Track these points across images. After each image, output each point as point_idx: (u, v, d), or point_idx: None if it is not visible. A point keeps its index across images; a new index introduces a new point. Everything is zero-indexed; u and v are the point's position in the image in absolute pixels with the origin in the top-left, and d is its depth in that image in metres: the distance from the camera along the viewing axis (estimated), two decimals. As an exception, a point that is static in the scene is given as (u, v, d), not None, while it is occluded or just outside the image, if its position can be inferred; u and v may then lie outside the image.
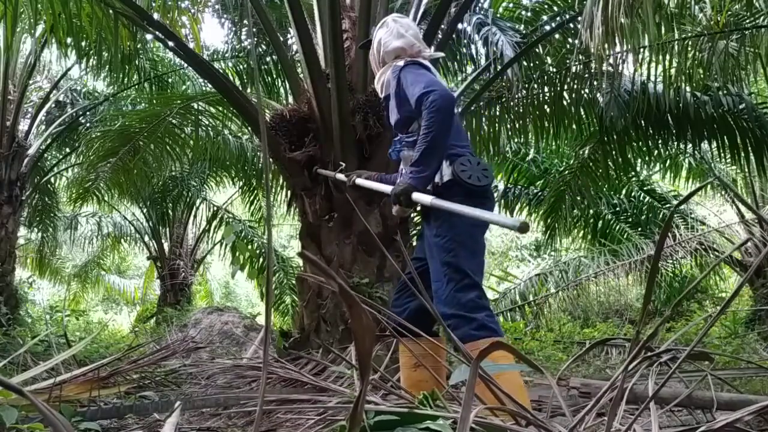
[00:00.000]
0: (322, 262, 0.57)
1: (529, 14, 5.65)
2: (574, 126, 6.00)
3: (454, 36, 5.33)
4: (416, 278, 1.44)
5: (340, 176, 2.82)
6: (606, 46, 3.44)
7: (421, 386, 1.93)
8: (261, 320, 8.14)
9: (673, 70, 5.16)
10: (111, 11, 4.49)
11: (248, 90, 6.84)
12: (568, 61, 5.51)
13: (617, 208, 8.28)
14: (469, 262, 2.00)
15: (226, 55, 7.70)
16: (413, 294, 2.11)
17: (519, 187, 8.44)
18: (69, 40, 4.88)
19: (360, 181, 2.54)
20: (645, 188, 8.38)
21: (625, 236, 8.04)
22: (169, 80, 8.06)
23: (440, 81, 2.14)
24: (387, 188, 2.21)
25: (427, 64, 2.22)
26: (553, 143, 7.05)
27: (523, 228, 1.51)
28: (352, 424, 0.55)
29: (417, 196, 1.97)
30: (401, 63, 2.20)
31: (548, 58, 5.61)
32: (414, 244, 5.76)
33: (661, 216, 7.97)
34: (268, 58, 6.83)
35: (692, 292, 8.45)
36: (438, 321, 1.45)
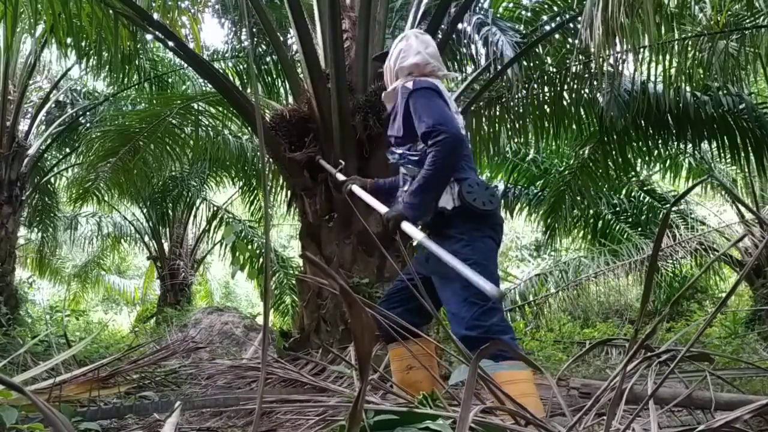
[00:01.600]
0: (322, 263, 0.57)
1: (529, 14, 5.65)
2: (574, 126, 6.00)
3: (454, 36, 5.33)
4: (414, 287, 1.44)
5: (340, 176, 2.78)
6: (606, 46, 3.44)
7: (417, 387, 1.94)
8: (261, 320, 8.14)
9: (673, 70, 5.16)
10: (111, 11, 4.49)
11: (248, 90, 6.83)
12: (568, 61, 5.51)
13: (617, 208, 8.28)
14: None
15: (226, 55, 7.70)
16: (400, 301, 2.13)
17: (519, 187, 8.44)
18: (69, 40, 4.88)
19: (355, 189, 2.50)
20: (645, 188, 8.38)
21: (625, 236, 8.04)
22: (169, 80, 8.06)
23: (450, 111, 2.10)
24: (381, 209, 2.19)
25: (439, 87, 2.17)
26: (553, 143, 7.05)
27: (500, 296, 1.59)
28: (351, 422, 0.55)
29: (407, 227, 1.97)
30: (410, 86, 2.15)
31: (548, 58, 5.61)
32: (414, 244, 5.77)
33: (660, 216, 7.97)
34: (268, 58, 6.83)
35: (692, 292, 8.46)
36: (438, 325, 1.43)
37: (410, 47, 2.29)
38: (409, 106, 2.11)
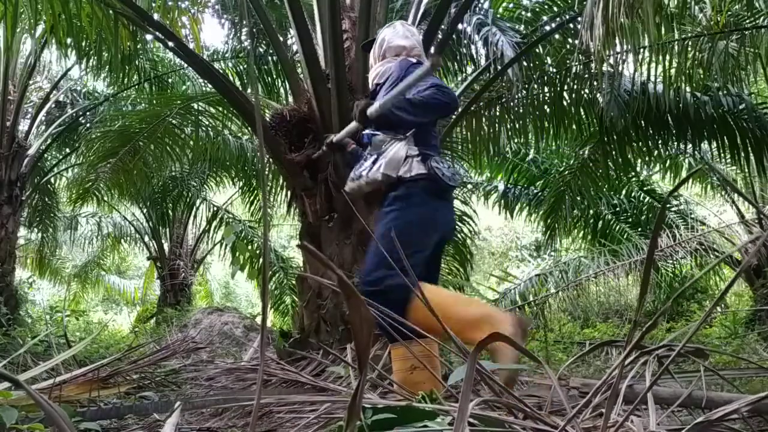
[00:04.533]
0: (322, 255, 0.57)
1: (529, 14, 5.65)
2: (574, 126, 6.00)
3: (454, 36, 5.33)
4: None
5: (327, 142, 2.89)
6: (606, 46, 3.44)
7: (420, 388, 1.93)
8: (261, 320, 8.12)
9: (673, 71, 5.16)
10: (111, 11, 4.49)
11: (248, 90, 6.83)
12: (568, 62, 5.51)
13: (617, 208, 8.27)
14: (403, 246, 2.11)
15: (226, 55, 7.70)
16: None
17: (519, 187, 8.44)
18: (69, 40, 4.88)
19: (335, 137, 2.70)
20: (645, 188, 8.38)
21: (625, 236, 8.03)
22: (169, 80, 8.05)
23: None
24: (353, 125, 2.42)
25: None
26: (553, 143, 7.04)
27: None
28: (350, 415, 0.55)
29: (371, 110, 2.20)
30: (414, 59, 2.29)
31: (548, 58, 5.61)
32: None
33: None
34: (268, 59, 6.83)
35: (692, 292, 8.45)
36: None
37: (397, 32, 2.44)
38: (405, 76, 2.23)
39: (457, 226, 6.26)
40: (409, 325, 1.63)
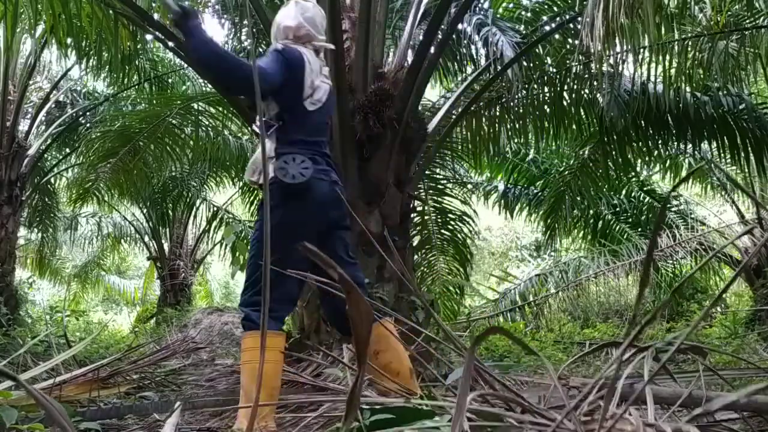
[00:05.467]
0: (322, 254, 0.57)
1: (529, 14, 5.65)
2: (574, 126, 6.00)
3: (454, 36, 5.33)
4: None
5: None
6: (606, 46, 3.44)
7: (389, 369, 1.99)
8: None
9: (673, 71, 5.16)
10: (111, 11, 4.49)
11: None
12: (568, 62, 5.51)
13: (617, 209, 8.27)
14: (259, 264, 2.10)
15: (226, 55, 7.68)
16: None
17: (519, 187, 8.44)
18: (69, 40, 4.88)
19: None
20: (645, 188, 8.38)
21: (625, 236, 8.03)
22: (169, 80, 8.05)
23: (297, 75, 2.13)
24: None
25: (303, 58, 2.17)
26: (553, 143, 7.04)
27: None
28: (349, 409, 0.55)
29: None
30: (279, 46, 2.19)
31: (548, 58, 5.61)
32: (414, 244, 5.76)
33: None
34: (268, 59, 6.82)
35: (692, 292, 8.45)
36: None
37: (288, 13, 2.33)
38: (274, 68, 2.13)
39: (457, 226, 6.26)
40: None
